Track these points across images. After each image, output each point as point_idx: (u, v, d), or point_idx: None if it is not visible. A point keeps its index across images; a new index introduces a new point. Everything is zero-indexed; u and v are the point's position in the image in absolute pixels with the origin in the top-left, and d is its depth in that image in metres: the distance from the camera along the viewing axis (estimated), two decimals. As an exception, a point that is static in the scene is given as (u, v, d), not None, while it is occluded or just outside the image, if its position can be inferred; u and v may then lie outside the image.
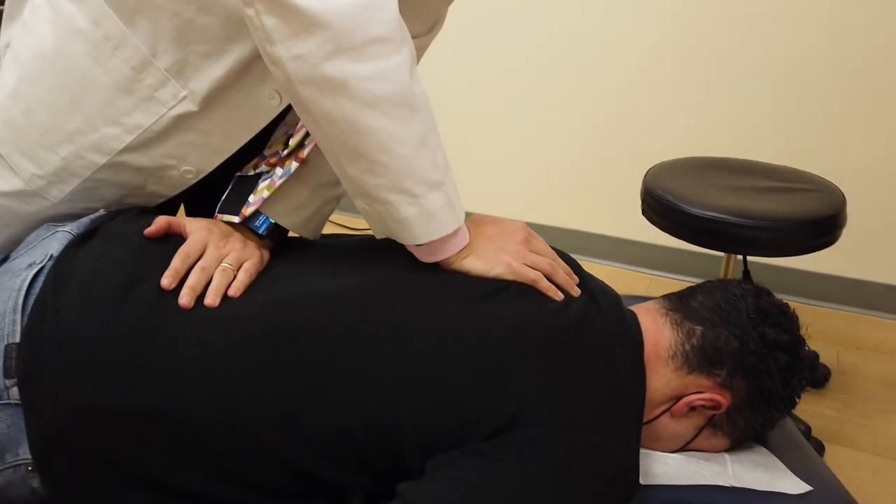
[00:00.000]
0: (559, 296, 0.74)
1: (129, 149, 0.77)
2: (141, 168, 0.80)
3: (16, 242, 0.81)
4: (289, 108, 0.82)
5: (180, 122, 0.78)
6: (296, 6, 0.60)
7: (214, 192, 0.88)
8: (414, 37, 0.85)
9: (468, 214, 0.83)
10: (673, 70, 2.05)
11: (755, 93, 1.99)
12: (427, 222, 0.71)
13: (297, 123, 0.84)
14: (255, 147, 0.85)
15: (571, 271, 0.79)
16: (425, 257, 0.76)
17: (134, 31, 0.73)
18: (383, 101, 0.64)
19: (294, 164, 0.80)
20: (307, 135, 0.81)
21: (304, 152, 0.81)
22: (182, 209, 1.02)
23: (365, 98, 0.64)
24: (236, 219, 0.80)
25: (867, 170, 1.94)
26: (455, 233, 0.74)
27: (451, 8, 0.97)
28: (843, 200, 1.43)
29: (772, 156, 2.01)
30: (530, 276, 0.75)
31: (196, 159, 0.81)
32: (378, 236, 0.77)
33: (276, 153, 0.83)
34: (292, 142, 0.81)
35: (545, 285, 0.75)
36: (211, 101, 0.77)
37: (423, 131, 0.68)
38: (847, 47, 1.86)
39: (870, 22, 1.81)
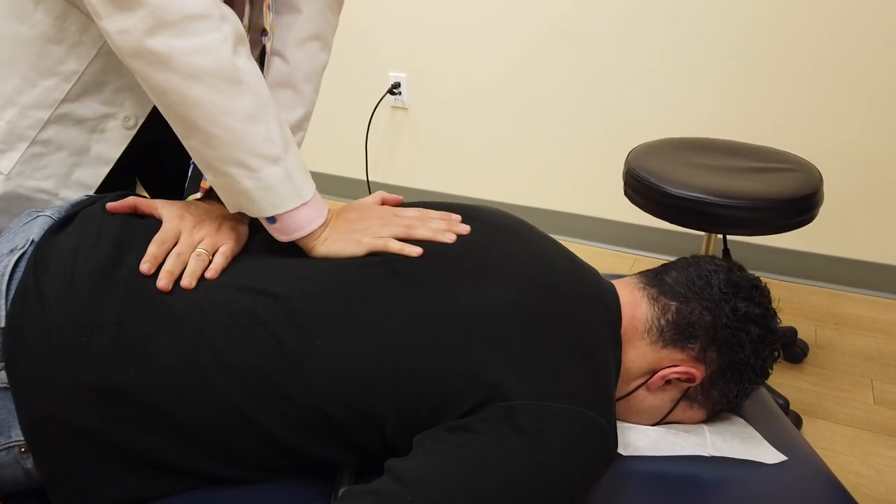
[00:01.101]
0: (414, 251, 0.75)
1: (69, 98, 0.81)
2: (83, 120, 0.83)
3: None
4: None
5: (112, 65, 0.82)
6: None
7: (172, 176, 0.92)
8: None
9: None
10: (654, 53, 2.07)
11: (734, 75, 2.00)
12: (268, 196, 0.74)
13: None
14: None
15: (453, 221, 0.80)
16: (280, 237, 0.78)
17: None
18: (206, 74, 0.67)
19: None
20: None
21: None
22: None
23: (188, 71, 0.67)
24: (198, 194, 0.83)
25: (843, 149, 1.96)
26: (302, 210, 0.76)
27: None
28: (820, 179, 1.45)
29: (751, 136, 2.04)
30: (378, 245, 0.77)
31: (132, 104, 0.85)
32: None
33: None
34: None
35: (395, 247, 0.76)
36: None
37: (251, 106, 0.70)
38: (824, 27, 1.87)
39: (846, 2, 1.83)
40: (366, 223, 0.80)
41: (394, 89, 2.42)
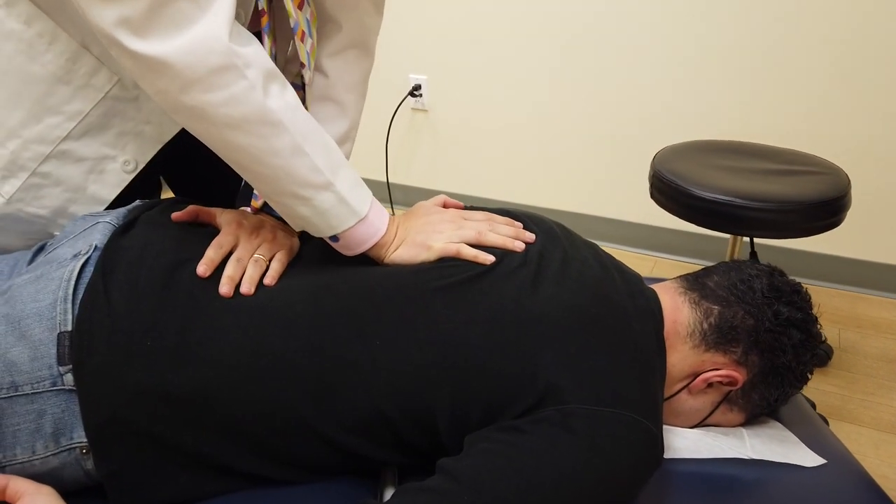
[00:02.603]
0: (487, 259, 0.76)
1: (71, 137, 0.82)
2: (83, 159, 0.84)
3: None
4: None
5: (117, 109, 0.83)
6: (137, 53, 0.64)
7: (203, 180, 0.93)
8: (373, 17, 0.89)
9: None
10: (680, 54, 2.07)
11: (762, 77, 2.00)
12: (325, 219, 0.76)
13: None
14: None
15: (521, 231, 0.81)
16: (345, 252, 0.79)
17: (63, 26, 0.78)
18: (243, 122, 0.68)
19: None
20: None
21: None
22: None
23: (225, 122, 0.68)
24: (248, 210, 0.85)
25: (869, 152, 1.96)
26: (360, 226, 0.77)
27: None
28: (848, 183, 1.45)
29: (779, 139, 2.03)
30: (451, 250, 0.78)
31: (134, 149, 0.86)
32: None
33: None
34: None
35: (468, 253, 0.77)
36: (142, 88, 0.80)
37: (291, 142, 0.71)
38: (851, 29, 1.87)
39: (872, 3, 1.83)
40: (436, 227, 0.81)
41: (414, 91, 2.43)
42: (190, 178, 1.04)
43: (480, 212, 0.85)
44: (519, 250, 0.79)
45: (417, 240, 0.79)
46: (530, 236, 0.81)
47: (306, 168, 0.72)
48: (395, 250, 0.79)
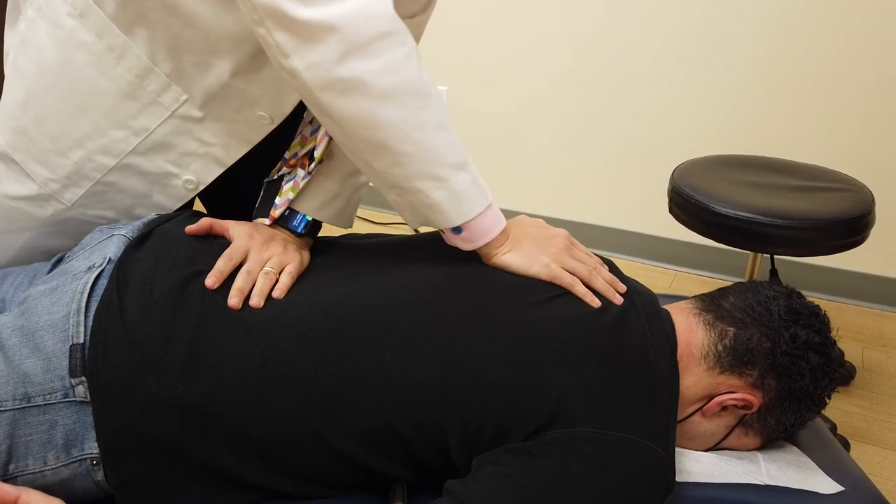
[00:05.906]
0: (595, 302, 0.76)
1: (136, 152, 0.82)
2: (146, 173, 0.84)
3: (31, 249, 0.86)
4: (298, 109, 0.85)
5: (183, 129, 0.82)
6: (301, 19, 0.64)
7: (234, 200, 0.93)
8: (410, 16, 0.87)
9: (505, 213, 0.85)
10: (701, 68, 2.05)
11: (783, 91, 1.98)
12: (458, 204, 0.74)
13: (310, 128, 0.87)
14: (265, 159, 0.89)
15: (615, 279, 0.80)
16: (465, 245, 0.77)
17: (134, 41, 0.78)
18: (398, 91, 0.68)
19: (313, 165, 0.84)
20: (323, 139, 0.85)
21: (318, 151, 0.84)
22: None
23: (380, 92, 0.67)
24: (267, 221, 0.84)
25: (892, 166, 1.92)
26: (487, 213, 0.75)
27: (481, 5, 0.99)
28: (872, 200, 1.43)
29: (801, 154, 2.00)
30: (566, 279, 0.76)
31: (198, 168, 0.86)
32: (413, 226, 0.79)
33: (295, 154, 0.87)
34: (317, 153, 0.84)
35: (581, 290, 0.76)
36: (210, 109, 0.81)
37: (438, 115, 0.70)
38: (875, 45, 1.84)
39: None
40: (552, 248, 0.79)
41: (434, 102, 2.44)
42: (228, 195, 1.02)
43: (585, 249, 0.84)
44: (618, 303, 0.77)
45: (531, 250, 0.78)
46: (622, 287, 0.80)
47: (447, 144, 0.71)
48: (506, 252, 0.78)
